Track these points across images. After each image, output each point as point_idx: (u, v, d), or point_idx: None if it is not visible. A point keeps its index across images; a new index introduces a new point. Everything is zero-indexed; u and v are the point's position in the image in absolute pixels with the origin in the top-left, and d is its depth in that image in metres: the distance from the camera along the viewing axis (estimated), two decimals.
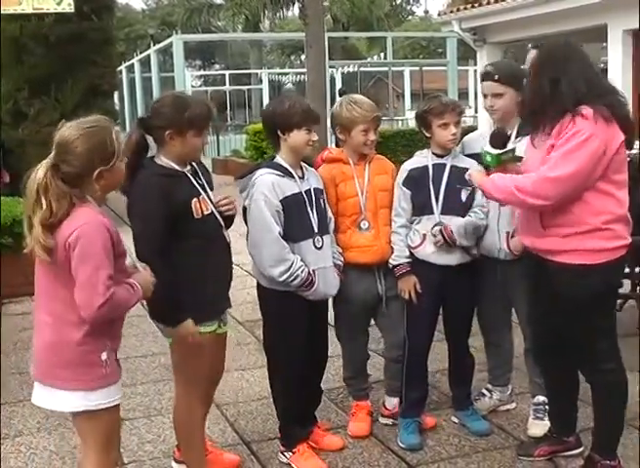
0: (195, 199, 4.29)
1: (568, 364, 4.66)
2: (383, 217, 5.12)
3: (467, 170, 5.02)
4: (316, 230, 4.78)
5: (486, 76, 5.16)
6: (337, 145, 5.32)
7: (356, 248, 5.04)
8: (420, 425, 5.23)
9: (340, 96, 21.35)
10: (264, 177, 4.69)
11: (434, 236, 4.99)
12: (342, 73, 34.34)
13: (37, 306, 3.72)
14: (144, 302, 4.04)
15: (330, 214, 4.98)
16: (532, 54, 4.40)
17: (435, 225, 5.00)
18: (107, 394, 3.68)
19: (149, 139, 4.38)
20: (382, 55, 44.65)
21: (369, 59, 46.24)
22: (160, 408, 5.90)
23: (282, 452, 4.99)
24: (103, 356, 3.63)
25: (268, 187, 4.64)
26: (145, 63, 33.20)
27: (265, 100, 33.96)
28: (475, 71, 28.76)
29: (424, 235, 5.02)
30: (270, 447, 5.17)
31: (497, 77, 5.09)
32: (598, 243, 4.29)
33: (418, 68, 32.45)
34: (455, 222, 4.99)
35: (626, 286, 7.28)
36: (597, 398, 4.64)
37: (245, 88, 40.31)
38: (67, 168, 3.50)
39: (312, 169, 5.00)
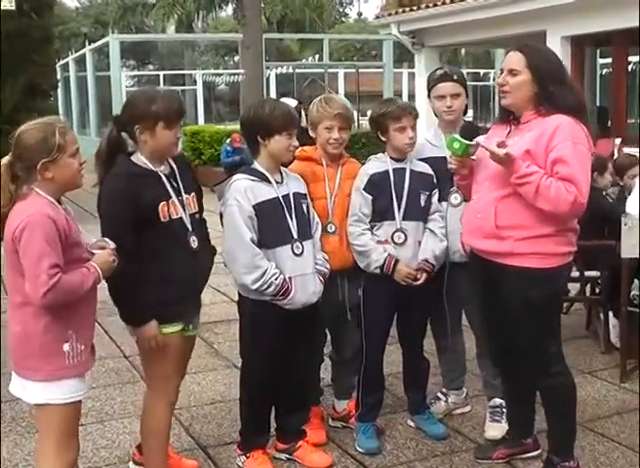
0: (164, 202, 4.22)
1: (523, 367, 4.69)
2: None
3: (425, 173, 5.08)
4: (295, 236, 4.67)
5: (445, 77, 5.17)
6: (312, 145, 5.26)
7: None
8: (378, 429, 5.23)
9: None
10: (238, 183, 4.62)
11: (416, 279, 4.98)
12: (277, 74, 34.32)
13: (8, 297, 3.82)
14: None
15: (317, 218, 4.89)
16: (515, 54, 4.41)
17: (396, 231, 5.00)
18: (69, 388, 3.76)
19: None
20: (317, 56, 44.68)
21: (303, 61, 46.24)
22: (112, 412, 5.81)
23: (239, 455, 4.96)
24: (65, 347, 3.71)
25: (240, 193, 4.57)
26: (81, 62, 32.86)
27: (200, 101, 33.81)
28: (413, 74, 28.88)
29: (386, 241, 5.00)
30: (227, 451, 5.12)
31: (455, 77, 5.15)
32: (552, 247, 4.34)
33: (352, 70, 32.53)
34: (430, 249, 5.02)
35: (573, 289, 7.40)
36: (549, 401, 4.68)
37: (179, 88, 40.01)
38: (19, 162, 3.68)
39: (295, 174, 4.90)
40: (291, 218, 4.67)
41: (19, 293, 3.66)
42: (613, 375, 6.31)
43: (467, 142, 4.52)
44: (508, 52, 4.47)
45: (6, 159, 3.70)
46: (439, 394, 5.63)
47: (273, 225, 4.63)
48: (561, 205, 4.19)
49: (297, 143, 4.73)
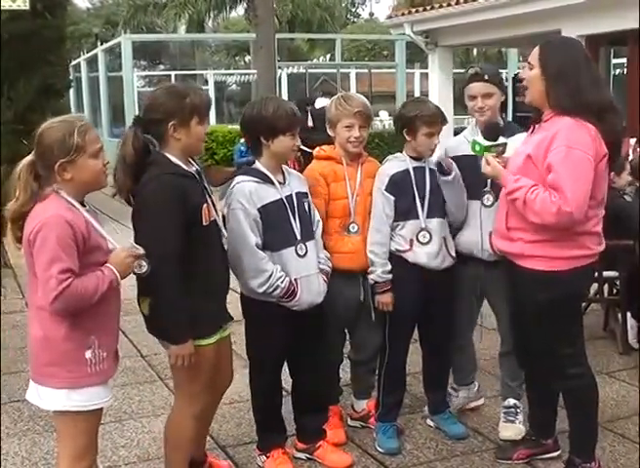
0: (205, 204, 4.11)
1: (538, 368, 4.67)
2: None
3: None
4: (299, 237, 4.64)
5: (475, 77, 5.11)
6: (312, 148, 5.23)
7: (342, 253, 4.94)
8: (398, 429, 5.22)
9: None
10: (242, 185, 4.56)
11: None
12: (288, 74, 34.27)
13: (28, 300, 3.79)
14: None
15: (317, 216, 4.86)
16: (536, 48, 4.34)
17: (421, 230, 4.96)
18: (92, 395, 3.68)
19: None
20: (328, 56, 44.62)
21: (314, 61, 46.21)
22: (130, 411, 5.82)
23: (259, 455, 4.96)
24: (88, 354, 3.63)
25: (245, 196, 4.52)
26: (92, 63, 32.81)
27: (212, 101, 33.76)
28: (425, 74, 28.84)
29: (411, 240, 4.97)
30: (247, 451, 5.13)
31: (486, 77, 5.09)
32: (558, 251, 4.28)
33: (364, 70, 32.44)
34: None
35: (591, 289, 7.36)
36: (569, 403, 4.67)
37: None
38: (39, 161, 3.60)
39: (295, 171, 4.89)
40: (294, 219, 4.64)
41: (37, 297, 3.58)
42: (631, 376, 6.32)
43: (486, 144, 4.53)
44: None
45: (29, 157, 3.63)
46: (450, 390, 5.61)
47: (278, 227, 4.60)
48: (545, 217, 4.14)
49: (299, 143, 4.70)
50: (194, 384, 4.25)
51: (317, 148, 5.15)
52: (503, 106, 5.25)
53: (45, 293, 3.46)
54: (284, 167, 4.78)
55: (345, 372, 5.68)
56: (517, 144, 4.61)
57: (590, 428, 4.66)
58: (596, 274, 6.95)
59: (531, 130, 4.48)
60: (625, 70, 16.05)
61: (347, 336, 5.43)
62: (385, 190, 4.97)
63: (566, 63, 4.25)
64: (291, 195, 4.66)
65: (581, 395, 4.60)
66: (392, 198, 4.97)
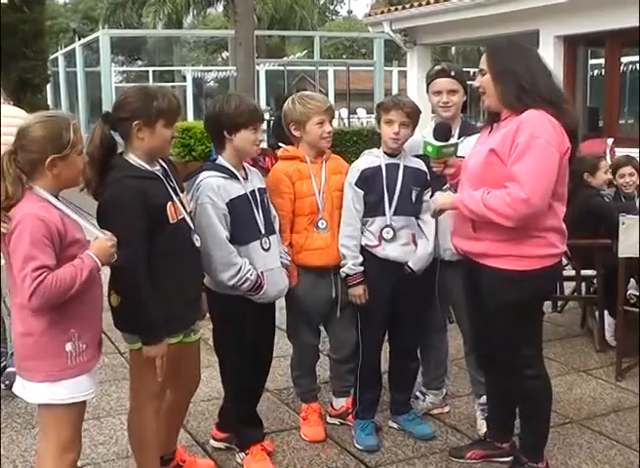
0: (170, 203, 4.08)
1: (497, 368, 4.66)
2: (339, 218, 5.05)
3: (418, 170, 5.06)
4: (263, 231, 4.67)
5: (441, 73, 5.15)
6: (291, 144, 5.24)
7: (312, 250, 4.97)
8: (376, 426, 5.24)
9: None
10: (209, 180, 4.57)
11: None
12: (266, 71, 34.29)
13: (11, 298, 3.75)
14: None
15: (274, 212, 4.89)
16: (484, 53, 4.39)
17: (386, 226, 4.98)
18: (75, 387, 3.68)
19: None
20: (305, 53, 44.61)
21: (291, 57, 46.23)
22: (109, 409, 5.80)
23: (237, 452, 4.96)
24: (68, 347, 3.63)
25: (214, 190, 4.53)
26: (70, 58, 32.74)
27: (189, 98, 33.74)
28: (402, 72, 28.87)
29: (380, 236, 4.99)
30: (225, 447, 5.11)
31: (453, 73, 5.14)
32: (531, 250, 4.24)
33: (342, 68, 32.48)
34: (415, 262, 5.04)
35: (568, 287, 7.41)
36: (522, 403, 4.65)
37: (169, 85, 39.94)
38: (23, 153, 3.55)
39: (254, 168, 4.91)
40: (258, 214, 4.67)
41: (18, 295, 3.56)
42: (608, 374, 6.35)
43: (439, 144, 4.54)
44: None
45: (7, 149, 3.57)
46: (417, 393, 5.62)
47: (244, 222, 4.62)
48: (502, 209, 4.09)
49: (261, 138, 4.70)
50: (154, 381, 4.17)
51: (281, 149, 5.19)
52: (465, 106, 5.25)
53: (22, 293, 3.45)
54: (244, 163, 4.80)
55: (324, 370, 5.68)
56: (471, 144, 4.66)
57: (541, 430, 4.64)
58: (574, 272, 7.02)
59: (488, 130, 4.46)
60: (603, 71, 16.12)
61: (326, 334, 5.44)
62: (355, 184, 4.99)
63: (511, 59, 4.25)
64: (254, 190, 4.70)
65: (536, 396, 4.58)
66: (361, 192, 4.98)
